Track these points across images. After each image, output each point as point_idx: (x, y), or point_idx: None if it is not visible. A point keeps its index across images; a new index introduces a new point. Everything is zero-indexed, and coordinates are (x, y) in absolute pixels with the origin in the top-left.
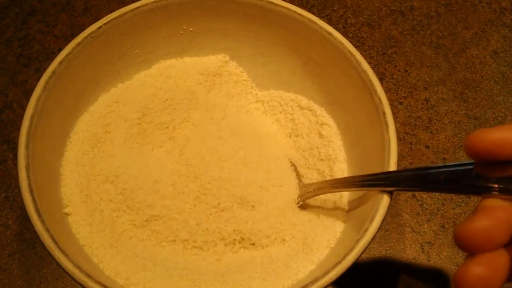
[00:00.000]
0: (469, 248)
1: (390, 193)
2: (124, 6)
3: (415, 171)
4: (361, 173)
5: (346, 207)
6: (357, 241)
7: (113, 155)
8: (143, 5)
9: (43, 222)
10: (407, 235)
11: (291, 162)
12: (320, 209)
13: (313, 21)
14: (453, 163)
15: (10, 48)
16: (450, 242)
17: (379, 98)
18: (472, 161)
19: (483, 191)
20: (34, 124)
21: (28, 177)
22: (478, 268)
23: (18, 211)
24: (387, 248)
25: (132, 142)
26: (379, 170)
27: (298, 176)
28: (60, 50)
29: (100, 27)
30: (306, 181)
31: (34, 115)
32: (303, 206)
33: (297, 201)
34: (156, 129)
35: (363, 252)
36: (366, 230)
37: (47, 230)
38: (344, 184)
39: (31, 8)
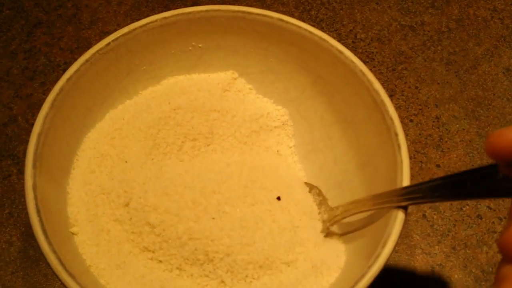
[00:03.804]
0: None
1: (404, 213)
2: (130, 18)
3: (440, 180)
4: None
5: (353, 227)
6: (369, 267)
7: (120, 174)
8: (152, 21)
9: (50, 243)
10: (417, 257)
11: (312, 185)
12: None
13: (323, 39)
14: (477, 167)
15: (15, 60)
16: (462, 264)
17: (391, 119)
18: (496, 163)
19: None
20: (42, 142)
21: (35, 197)
22: None
23: (22, 228)
24: (397, 270)
25: (140, 161)
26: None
27: (324, 200)
28: (65, 63)
29: (109, 43)
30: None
31: (41, 133)
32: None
33: (323, 229)
34: (165, 148)
35: (375, 278)
36: (378, 256)
37: (54, 251)
38: (373, 202)
39: (37, 20)
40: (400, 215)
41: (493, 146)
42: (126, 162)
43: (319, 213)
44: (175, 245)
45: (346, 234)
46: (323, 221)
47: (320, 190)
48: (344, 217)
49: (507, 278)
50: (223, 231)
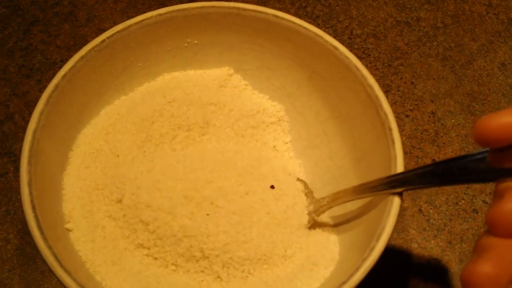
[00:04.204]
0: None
1: (399, 206)
2: (127, 16)
3: (427, 167)
4: None
5: (348, 220)
6: (363, 260)
7: (113, 169)
8: (148, 18)
9: (45, 239)
10: (413, 251)
11: (298, 178)
12: (318, 223)
13: (318, 35)
14: (465, 154)
15: (11, 58)
16: (458, 258)
17: (385, 114)
18: (484, 149)
19: (500, 176)
20: (37, 139)
21: (31, 193)
22: (485, 267)
23: (19, 225)
24: (393, 264)
25: (131, 154)
26: None
27: (310, 193)
28: (62, 60)
29: (104, 40)
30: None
31: (37, 130)
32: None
33: (309, 220)
34: (157, 139)
35: (369, 271)
36: (372, 249)
37: (49, 247)
38: (357, 191)
39: (33, 18)
40: (394, 208)
41: (481, 132)
42: (118, 156)
43: (306, 206)
44: (170, 243)
45: (341, 226)
46: (309, 213)
47: (306, 183)
48: (330, 207)
49: (488, 247)
50: (219, 227)
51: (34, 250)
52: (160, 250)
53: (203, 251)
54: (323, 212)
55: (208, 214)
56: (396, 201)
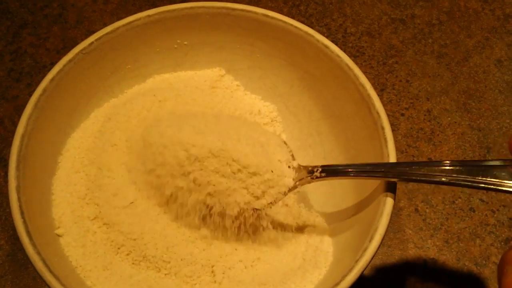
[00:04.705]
0: None
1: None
2: (117, 17)
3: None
4: (360, 188)
5: (341, 220)
6: (356, 261)
7: (95, 181)
8: (136, 20)
9: (34, 245)
10: (410, 251)
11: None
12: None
13: (309, 34)
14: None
15: (1, 62)
16: (455, 258)
17: (378, 113)
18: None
19: None
20: (25, 143)
21: (19, 198)
22: None
23: (10, 231)
24: (390, 265)
25: (124, 161)
26: (378, 187)
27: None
28: (52, 64)
29: (92, 43)
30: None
31: (25, 135)
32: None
33: (292, 184)
34: (149, 148)
35: (362, 272)
36: (365, 250)
37: (38, 253)
38: (356, 171)
39: (23, 21)
40: (387, 209)
41: None
42: (109, 161)
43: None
44: (156, 260)
45: (335, 228)
46: (294, 178)
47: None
48: (313, 181)
49: None
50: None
51: (25, 256)
52: (147, 262)
53: (195, 268)
54: (304, 184)
55: (193, 242)
56: (388, 201)
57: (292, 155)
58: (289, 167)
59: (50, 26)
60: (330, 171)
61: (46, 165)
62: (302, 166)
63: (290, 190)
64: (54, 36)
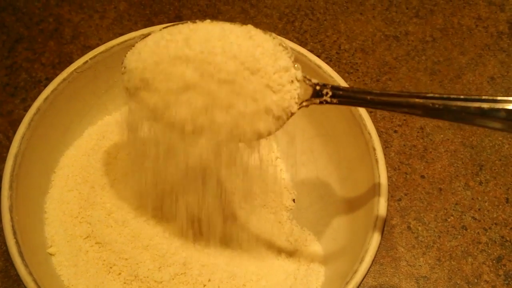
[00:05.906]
0: None
1: (381, 234)
2: (113, 33)
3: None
4: (353, 209)
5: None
6: (347, 283)
7: (88, 199)
8: (130, 39)
9: (26, 265)
10: (402, 269)
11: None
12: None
13: (302, 54)
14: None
15: None
16: (447, 276)
17: (369, 133)
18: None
19: None
20: (18, 163)
21: (12, 218)
22: None
23: (3, 247)
24: (382, 283)
25: (117, 178)
26: (369, 206)
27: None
28: (47, 79)
29: (86, 61)
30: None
31: (18, 154)
32: (289, 253)
33: (294, 104)
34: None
35: None
36: (355, 272)
37: (30, 273)
38: (376, 100)
39: (18, 36)
40: (376, 236)
41: None
42: (102, 180)
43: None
44: (148, 280)
45: (326, 246)
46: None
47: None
48: (314, 103)
49: None
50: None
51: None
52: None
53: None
54: (308, 105)
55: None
56: (380, 219)
57: (294, 62)
58: (292, 81)
59: (46, 41)
60: (343, 98)
61: (39, 183)
62: (307, 78)
63: (292, 114)
64: (49, 51)
